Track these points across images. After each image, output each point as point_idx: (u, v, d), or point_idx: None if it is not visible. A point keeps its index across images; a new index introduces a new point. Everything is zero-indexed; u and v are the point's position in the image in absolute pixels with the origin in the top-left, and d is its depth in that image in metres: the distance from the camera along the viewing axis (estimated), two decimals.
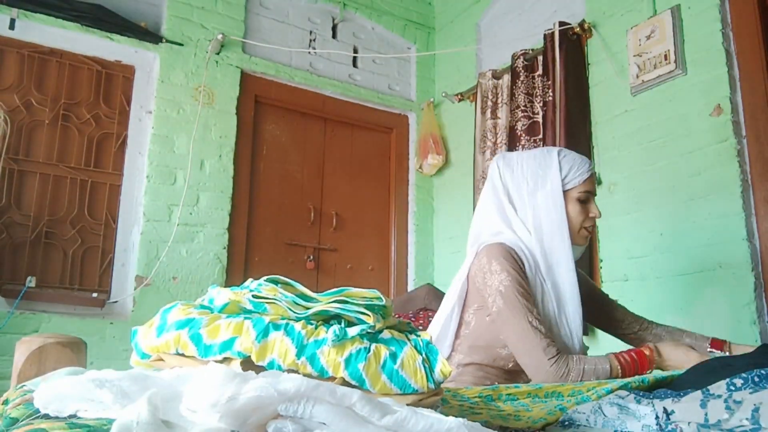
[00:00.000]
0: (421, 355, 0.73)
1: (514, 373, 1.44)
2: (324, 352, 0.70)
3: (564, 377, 1.30)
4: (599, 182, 2.78)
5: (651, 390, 0.99)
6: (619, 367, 1.31)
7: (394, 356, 0.71)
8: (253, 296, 0.76)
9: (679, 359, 1.33)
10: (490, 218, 1.53)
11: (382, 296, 0.77)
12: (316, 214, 3.54)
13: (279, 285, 0.78)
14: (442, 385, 0.77)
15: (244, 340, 0.71)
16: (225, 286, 0.80)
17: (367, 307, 0.75)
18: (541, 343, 1.34)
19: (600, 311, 1.72)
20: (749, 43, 2.30)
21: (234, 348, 0.71)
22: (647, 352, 1.35)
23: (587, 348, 1.59)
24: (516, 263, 1.42)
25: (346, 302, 0.75)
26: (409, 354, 0.72)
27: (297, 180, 3.54)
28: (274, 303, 0.76)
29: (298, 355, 0.70)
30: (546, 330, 1.36)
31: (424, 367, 0.72)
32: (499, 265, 1.41)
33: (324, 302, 0.76)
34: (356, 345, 0.71)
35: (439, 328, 1.52)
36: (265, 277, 0.79)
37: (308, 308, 0.75)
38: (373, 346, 0.72)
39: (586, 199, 1.49)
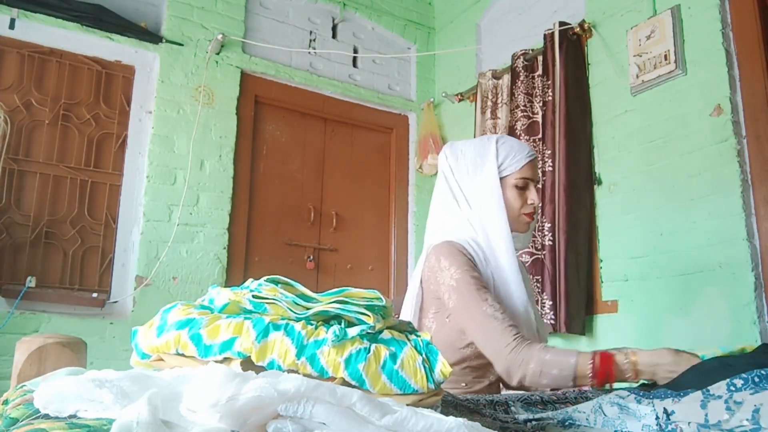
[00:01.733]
0: (421, 355, 0.73)
1: (482, 368, 1.42)
2: (324, 352, 0.70)
3: (523, 365, 1.26)
4: (599, 182, 2.78)
5: (650, 389, 0.99)
6: (590, 365, 1.21)
7: (394, 357, 0.71)
8: (253, 296, 0.76)
9: (659, 366, 1.19)
10: (440, 216, 1.54)
11: (381, 296, 0.77)
12: (316, 214, 3.54)
13: (279, 285, 0.78)
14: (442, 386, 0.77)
15: (244, 341, 0.71)
16: (225, 286, 0.80)
17: (367, 307, 0.75)
18: (499, 329, 1.31)
19: None
20: (749, 43, 2.30)
21: (234, 348, 0.71)
22: (621, 358, 1.21)
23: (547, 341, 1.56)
24: (465, 257, 1.41)
25: (346, 302, 0.75)
26: (409, 354, 0.72)
27: (297, 180, 3.54)
28: (274, 303, 0.76)
29: (298, 356, 0.70)
30: (505, 317, 1.33)
31: (424, 367, 0.72)
32: (448, 261, 1.40)
33: (324, 302, 0.76)
34: (356, 345, 0.71)
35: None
36: (265, 278, 0.79)
37: (308, 308, 0.75)
38: (373, 346, 0.72)
39: (524, 185, 1.47)
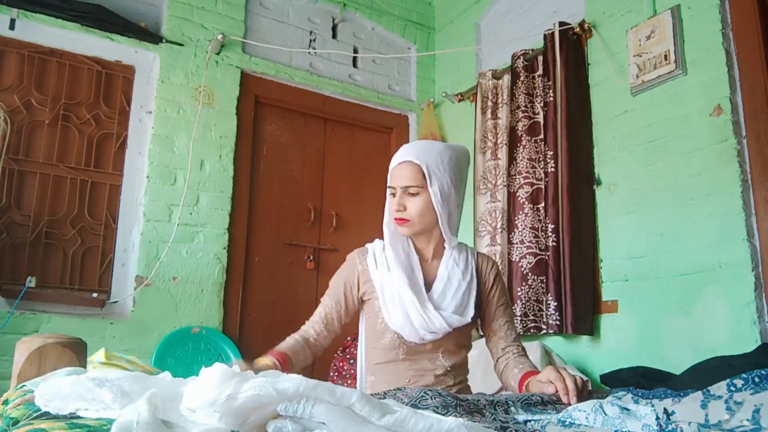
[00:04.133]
0: None
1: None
2: None
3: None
4: (599, 182, 2.78)
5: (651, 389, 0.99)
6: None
7: None
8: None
9: None
10: None
11: None
12: (316, 214, 3.54)
13: None
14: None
15: None
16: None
17: None
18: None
19: (484, 306, 1.70)
20: (749, 43, 2.30)
21: None
22: None
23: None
24: (349, 262, 1.69)
25: None
26: None
27: (297, 180, 3.54)
28: None
29: None
30: (315, 318, 1.66)
31: None
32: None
33: None
34: None
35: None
36: None
37: None
38: None
39: (392, 193, 1.61)
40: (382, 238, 1.67)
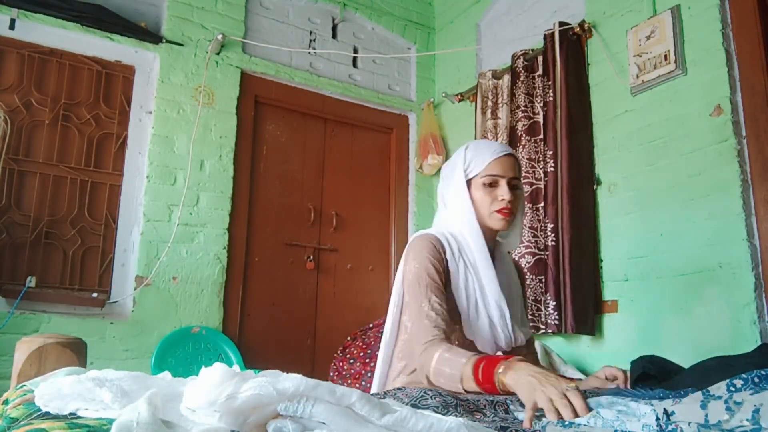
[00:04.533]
0: None
1: None
2: None
3: (428, 363, 1.30)
4: (599, 182, 2.78)
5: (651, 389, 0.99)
6: (473, 368, 1.20)
7: None
8: None
9: (523, 394, 1.07)
10: (435, 217, 1.65)
11: None
12: (316, 214, 3.54)
13: None
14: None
15: None
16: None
17: None
18: (425, 329, 1.35)
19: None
20: (749, 43, 2.30)
21: None
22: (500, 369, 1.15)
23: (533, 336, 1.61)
24: (433, 249, 1.47)
25: None
26: None
27: (297, 180, 3.53)
28: None
29: None
30: (438, 317, 1.37)
31: None
32: (412, 254, 1.48)
33: None
34: None
35: (387, 335, 1.55)
36: None
37: None
38: None
39: (492, 182, 1.50)
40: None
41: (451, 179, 1.56)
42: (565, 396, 0.95)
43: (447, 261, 1.47)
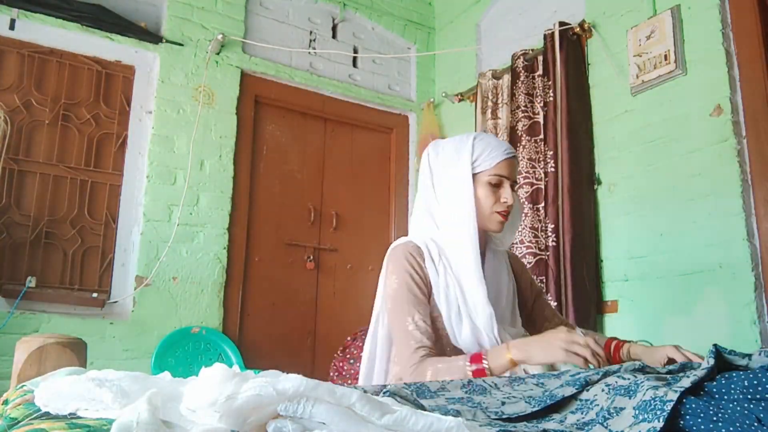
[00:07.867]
0: None
1: None
2: None
3: (420, 379, 1.27)
4: (599, 182, 2.78)
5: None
6: (469, 368, 1.25)
7: None
8: None
9: (537, 355, 1.22)
10: (415, 212, 1.55)
11: None
12: (316, 214, 3.54)
13: None
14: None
15: None
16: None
17: None
18: (411, 348, 1.32)
19: (527, 304, 1.65)
20: (749, 43, 2.30)
21: None
22: (508, 357, 1.24)
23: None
24: (413, 260, 1.41)
25: None
26: None
27: (297, 180, 3.54)
28: None
29: None
30: (424, 335, 1.33)
31: None
32: (392, 267, 1.43)
33: None
34: None
35: (373, 340, 1.51)
36: None
37: None
38: None
39: (498, 183, 1.45)
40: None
41: (453, 167, 1.46)
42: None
43: (427, 269, 1.41)
